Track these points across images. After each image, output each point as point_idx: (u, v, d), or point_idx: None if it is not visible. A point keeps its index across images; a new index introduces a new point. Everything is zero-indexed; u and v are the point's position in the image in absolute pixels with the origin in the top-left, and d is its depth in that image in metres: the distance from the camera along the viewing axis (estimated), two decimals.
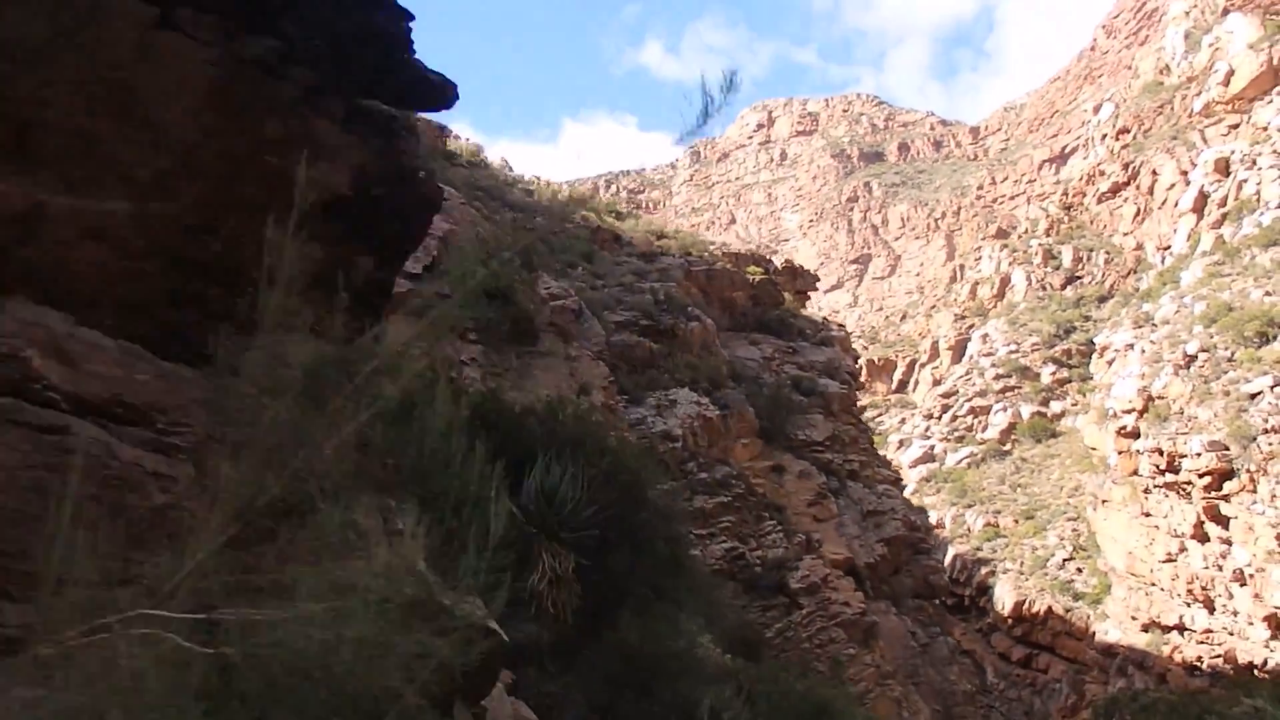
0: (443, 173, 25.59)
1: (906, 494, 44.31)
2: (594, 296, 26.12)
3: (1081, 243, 77.26)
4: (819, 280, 43.91)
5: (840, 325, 42.31)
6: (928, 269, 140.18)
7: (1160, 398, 45.03)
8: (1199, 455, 40.79)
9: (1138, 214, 71.76)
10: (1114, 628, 50.11)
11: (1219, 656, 42.88)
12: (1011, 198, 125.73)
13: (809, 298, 39.83)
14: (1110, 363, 54.96)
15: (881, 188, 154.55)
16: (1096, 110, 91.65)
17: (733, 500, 22.41)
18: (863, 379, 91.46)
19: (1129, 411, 46.67)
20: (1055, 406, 70.86)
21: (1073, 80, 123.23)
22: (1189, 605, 44.65)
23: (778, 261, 38.97)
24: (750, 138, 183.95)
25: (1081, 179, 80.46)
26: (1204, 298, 48.19)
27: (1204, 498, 41.28)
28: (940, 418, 77.35)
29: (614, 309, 26.63)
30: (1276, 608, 38.59)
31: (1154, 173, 69.49)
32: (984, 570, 62.03)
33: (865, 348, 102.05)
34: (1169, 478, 43.90)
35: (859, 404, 35.40)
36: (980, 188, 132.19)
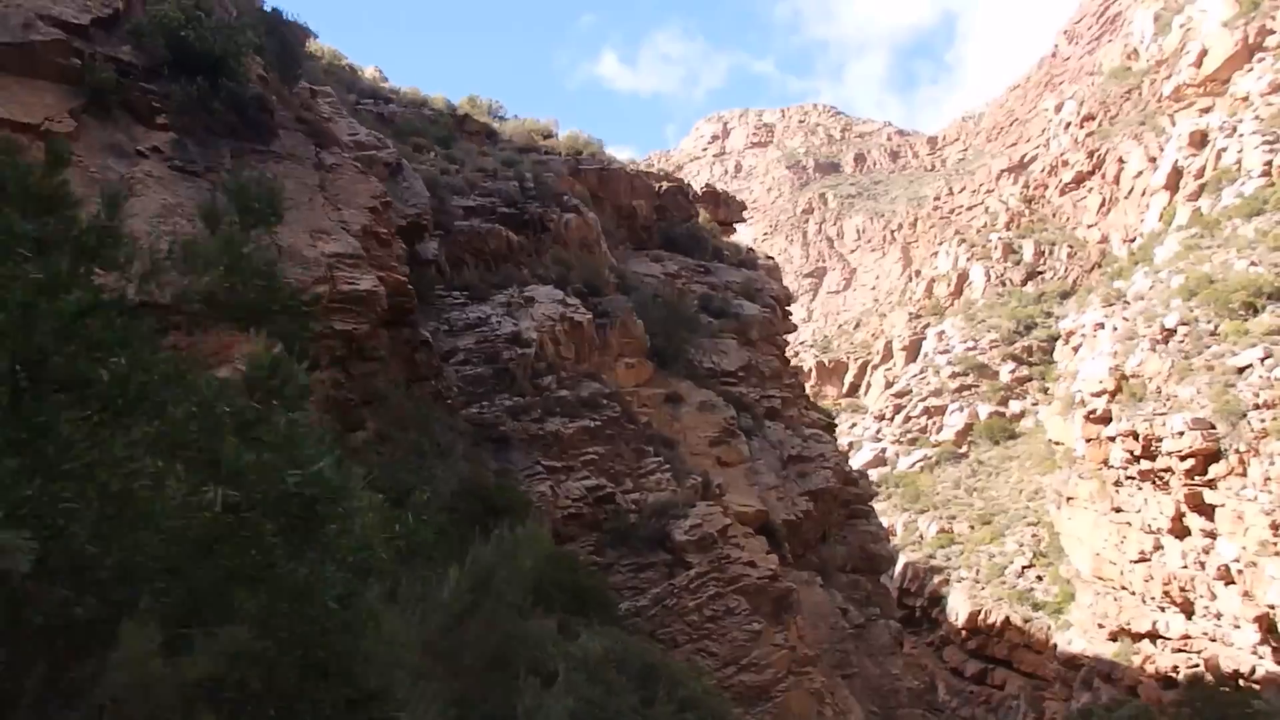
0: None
1: None
2: (442, 180, 20.31)
3: (1043, 236, 72.97)
4: (746, 209, 38.25)
5: (769, 256, 36.63)
6: (883, 281, 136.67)
7: (1135, 376, 40.10)
8: (1181, 435, 35.78)
9: (1103, 204, 67.56)
10: (1078, 637, 44.92)
11: (1197, 665, 37.72)
12: (969, 208, 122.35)
13: (734, 230, 33.99)
14: (1076, 349, 50.15)
15: (837, 199, 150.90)
16: (1058, 109, 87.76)
17: (603, 426, 16.71)
18: (812, 382, 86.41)
19: (1099, 394, 41.70)
20: (1015, 406, 66.10)
21: (1033, 88, 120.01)
22: (1163, 609, 39.54)
23: (697, 186, 33.19)
24: (705, 149, 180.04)
25: (1044, 170, 76.29)
26: (1181, 271, 43.50)
27: (1186, 484, 36.24)
28: (892, 419, 72.33)
29: (466, 194, 20.84)
30: (1270, 607, 33.48)
31: (1120, 160, 65.40)
32: (937, 579, 57.14)
33: (816, 357, 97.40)
34: (1144, 465, 38.91)
35: (785, 335, 29.63)
36: (937, 198, 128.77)
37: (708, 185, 34.83)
